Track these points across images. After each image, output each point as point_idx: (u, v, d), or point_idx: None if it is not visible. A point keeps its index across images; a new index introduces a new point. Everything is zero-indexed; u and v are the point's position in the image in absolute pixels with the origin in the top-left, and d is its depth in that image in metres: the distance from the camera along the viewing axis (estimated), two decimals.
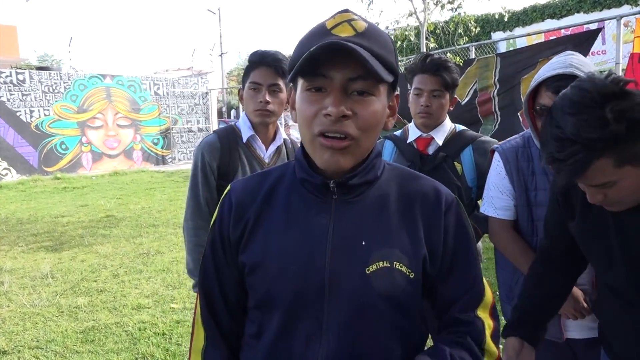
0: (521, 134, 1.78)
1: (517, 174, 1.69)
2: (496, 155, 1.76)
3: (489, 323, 0.99)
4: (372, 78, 0.86)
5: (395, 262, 0.93)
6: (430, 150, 2.06)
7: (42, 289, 4.51)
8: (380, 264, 0.92)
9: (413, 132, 2.10)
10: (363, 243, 0.93)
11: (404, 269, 0.93)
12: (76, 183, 11.55)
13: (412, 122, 2.11)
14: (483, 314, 0.99)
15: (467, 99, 5.89)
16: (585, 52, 4.57)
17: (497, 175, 1.74)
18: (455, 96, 2.09)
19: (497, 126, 5.83)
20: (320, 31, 0.88)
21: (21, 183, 11.66)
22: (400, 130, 2.21)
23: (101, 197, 9.57)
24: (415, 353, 0.96)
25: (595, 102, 1.02)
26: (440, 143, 2.04)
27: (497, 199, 1.75)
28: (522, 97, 5.33)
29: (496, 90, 5.74)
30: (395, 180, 1.01)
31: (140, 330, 3.62)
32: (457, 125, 2.12)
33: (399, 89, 1.01)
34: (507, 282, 1.81)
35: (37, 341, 3.48)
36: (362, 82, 0.86)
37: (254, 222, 0.99)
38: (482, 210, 1.82)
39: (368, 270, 0.92)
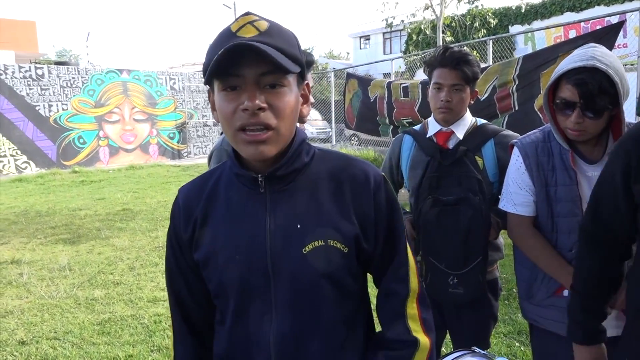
0: (541, 128, 1.73)
1: (536, 169, 1.65)
2: (515, 150, 1.72)
3: (413, 287, 1.09)
4: (280, 71, 0.93)
5: (329, 240, 1.01)
6: (451, 144, 2.01)
7: (60, 281, 4.58)
8: (316, 243, 1.00)
9: (433, 126, 2.05)
10: (298, 226, 1.01)
11: (338, 245, 1.01)
12: (93, 177, 11.71)
13: (432, 116, 2.07)
14: (412, 277, 1.09)
15: (485, 95, 5.80)
16: (608, 46, 4.46)
17: (517, 170, 1.71)
18: (476, 89, 2.03)
19: (507, 118, 5.73)
20: (227, 35, 0.95)
21: (40, 176, 11.85)
22: (419, 125, 2.17)
23: (118, 191, 9.68)
24: (359, 329, 1.08)
25: None
26: (461, 137, 1.98)
27: (516, 194, 1.71)
28: (542, 92, 5.24)
29: (515, 86, 5.64)
30: (326, 164, 1.08)
31: (155, 322, 3.65)
32: (478, 119, 2.07)
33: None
34: (525, 280, 1.78)
35: (55, 332, 3.54)
36: (272, 76, 0.94)
37: (202, 220, 1.08)
38: (500, 206, 1.78)
39: (304, 250, 1.00)
